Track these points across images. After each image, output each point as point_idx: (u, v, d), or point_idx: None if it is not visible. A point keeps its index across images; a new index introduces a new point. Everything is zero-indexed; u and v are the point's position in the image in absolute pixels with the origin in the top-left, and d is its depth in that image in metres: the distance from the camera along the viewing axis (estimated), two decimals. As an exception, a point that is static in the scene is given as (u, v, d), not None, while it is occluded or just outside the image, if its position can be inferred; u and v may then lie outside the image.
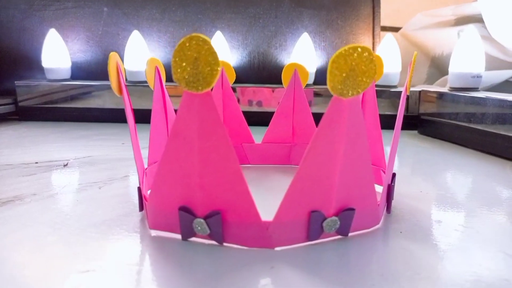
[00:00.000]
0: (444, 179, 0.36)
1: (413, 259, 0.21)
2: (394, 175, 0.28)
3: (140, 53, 0.63)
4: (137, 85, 0.62)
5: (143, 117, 0.60)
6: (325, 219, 0.22)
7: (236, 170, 0.20)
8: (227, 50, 0.63)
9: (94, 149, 0.45)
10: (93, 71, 0.69)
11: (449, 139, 0.53)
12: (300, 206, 0.21)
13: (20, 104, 0.65)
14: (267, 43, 0.67)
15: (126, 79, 0.65)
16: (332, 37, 0.66)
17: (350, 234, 0.23)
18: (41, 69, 0.66)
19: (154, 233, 0.23)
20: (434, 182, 0.35)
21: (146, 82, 0.64)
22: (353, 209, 0.22)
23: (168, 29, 0.68)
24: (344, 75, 0.19)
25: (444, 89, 0.55)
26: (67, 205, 0.27)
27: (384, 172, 0.31)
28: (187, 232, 0.22)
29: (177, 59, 0.19)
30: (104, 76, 0.69)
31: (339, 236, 0.23)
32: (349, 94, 0.20)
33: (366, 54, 0.19)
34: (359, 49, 0.19)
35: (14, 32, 0.69)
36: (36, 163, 0.38)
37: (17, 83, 0.64)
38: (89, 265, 0.19)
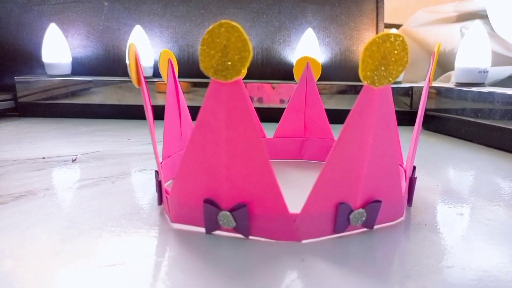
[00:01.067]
0: (454, 173, 0.36)
1: (442, 251, 0.20)
2: (414, 168, 0.28)
3: (143, 48, 0.63)
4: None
5: (143, 112, 0.59)
6: (352, 211, 0.21)
7: (265, 161, 0.20)
8: (231, 45, 0.63)
9: (100, 145, 0.44)
10: (94, 66, 0.68)
11: (454, 134, 0.53)
12: (328, 198, 0.21)
13: (19, 100, 0.64)
14: (270, 38, 0.66)
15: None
16: (336, 33, 0.66)
17: (374, 227, 0.23)
18: (41, 65, 0.65)
19: (176, 226, 0.23)
20: (445, 176, 0.35)
21: (149, 77, 0.64)
22: (379, 201, 0.22)
23: (170, 24, 0.67)
24: (376, 63, 0.19)
25: (450, 85, 0.55)
26: (83, 199, 0.27)
27: (401, 166, 0.31)
28: (211, 225, 0.21)
29: (205, 47, 0.19)
30: (105, 71, 0.68)
31: (364, 229, 0.23)
32: (380, 83, 0.19)
33: (398, 42, 0.19)
34: (392, 37, 0.19)
35: (12, 27, 0.67)
36: (44, 158, 0.38)
37: (16, 78, 0.63)
38: (114, 259, 0.19)
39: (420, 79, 0.77)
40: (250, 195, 0.20)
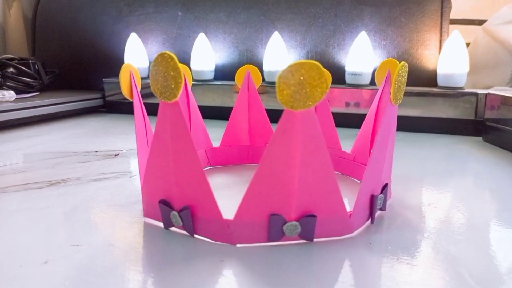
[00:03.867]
0: (483, 196, 0.34)
1: (359, 271, 0.21)
2: (385, 185, 0.28)
3: (205, 54, 0.69)
4: (200, 84, 0.68)
5: (203, 112, 0.66)
6: (285, 222, 0.23)
7: (200, 171, 0.23)
8: (284, 50, 0.65)
9: (148, 142, 0.51)
10: (168, 70, 0.77)
11: (512, 149, 0.48)
12: (259, 208, 0.23)
13: (107, 98, 0.76)
14: (325, 42, 0.66)
15: (192, 78, 0.70)
16: (394, 35, 0.63)
17: (318, 239, 0.24)
18: (124, 68, 0.75)
19: (147, 220, 0.27)
20: (450, 195, 0.33)
21: (209, 80, 0.70)
22: (314, 216, 0.23)
23: (233, 30, 0.72)
24: (292, 88, 0.20)
25: (510, 94, 0.49)
26: (97, 190, 0.33)
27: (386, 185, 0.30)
28: (167, 223, 0.25)
29: (153, 73, 0.23)
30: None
31: (304, 241, 0.24)
32: (300, 107, 0.21)
33: (314, 69, 0.20)
34: (306, 65, 0.20)
35: (106, 36, 0.79)
36: (96, 152, 0.45)
37: (105, 80, 0.75)
38: (80, 241, 0.24)
39: (501, 83, 0.69)
40: (192, 200, 0.24)
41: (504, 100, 0.50)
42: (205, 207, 0.23)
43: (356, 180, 0.36)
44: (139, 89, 0.30)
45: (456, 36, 0.57)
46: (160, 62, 0.22)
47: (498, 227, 0.27)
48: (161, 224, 0.26)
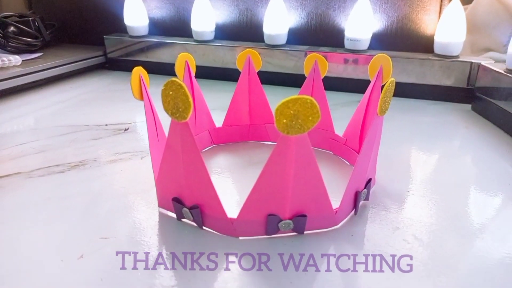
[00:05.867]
0: (460, 175, 0.38)
1: (341, 262, 0.26)
2: (369, 180, 0.32)
3: (205, 15, 0.68)
4: (201, 44, 0.69)
5: (205, 73, 0.68)
6: (281, 221, 0.27)
7: (208, 180, 0.26)
8: (285, 11, 0.65)
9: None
10: (168, 27, 0.76)
11: (498, 125, 0.50)
12: (258, 210, 0.27)
13: (109, 55, 0.77)
14: (326, 4, 0.66)
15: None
16: (395, -1, 0.63)
17: (309, 231, 0.28)
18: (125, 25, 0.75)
19: (161, 210, 0.31)
20: (430, 178, 0.37)
21: (209, 41, 0.70)
22: (305, 216, 0.27)
23: (233, -13, 0.70)
24: (288, 118, 0.23)
25: (499, 69, 0.51)
26: (113, 174, 0.37)
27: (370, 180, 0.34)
28: (179, 216, 0.29)
29: (164, 94, 0.25)
30: (177, 32, 0.76)
31: (295, 233, 0.28)
32: (295, 133, 0.24)
33: (307, 103, 0.23)
34: (300, 100, 0.23)
35: (103, -10, 0.78)
36: (106, 125, 0.49)
37: (105, 37, 0.75)
38: (107, 233, 0.28)
39: (498, 46, 0.70)
40: (201, 200, 0.28)
41: (494, 74, 0.51)
42: (212, 207, 0.27)
43: (346, 162, 0.40)
44: (148, 90, 0.33)
45: (455, 4, 0.57)
46: (170, 87, 0.25)
47: (473, 217, 0.31)
48: (174, 215, 0.30)
